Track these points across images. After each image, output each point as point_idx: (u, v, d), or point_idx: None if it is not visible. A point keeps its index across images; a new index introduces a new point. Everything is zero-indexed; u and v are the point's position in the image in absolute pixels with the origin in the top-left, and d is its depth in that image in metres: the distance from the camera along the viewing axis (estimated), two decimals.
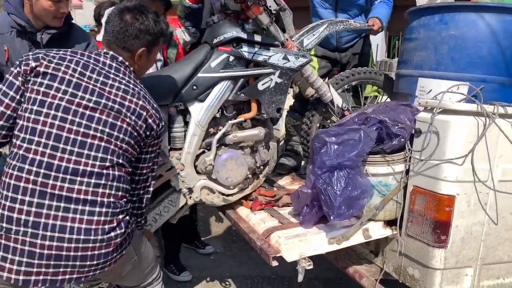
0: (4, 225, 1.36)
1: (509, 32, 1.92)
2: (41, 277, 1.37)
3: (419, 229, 1.79)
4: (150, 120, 1.55)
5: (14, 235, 1.35)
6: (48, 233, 1.36)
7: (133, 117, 1.50)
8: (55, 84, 1.43)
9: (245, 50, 2.11)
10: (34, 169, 1.37)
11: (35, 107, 1.41)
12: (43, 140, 1.39)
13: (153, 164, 1.68)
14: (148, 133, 1.56)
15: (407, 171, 1.87)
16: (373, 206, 1.91)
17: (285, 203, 2.29)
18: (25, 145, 1.39)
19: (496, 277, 1.87)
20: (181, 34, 2.75)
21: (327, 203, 1.78)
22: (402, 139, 1.81)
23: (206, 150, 2.19)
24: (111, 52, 1.58)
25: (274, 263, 1.75)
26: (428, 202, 1.75)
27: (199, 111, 2.09)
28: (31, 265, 1.35)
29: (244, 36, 2.10)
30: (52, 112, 1.41)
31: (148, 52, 1.64)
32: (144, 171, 1.64)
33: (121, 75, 1.55)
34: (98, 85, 1.48)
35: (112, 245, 1.45)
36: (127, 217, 1.52)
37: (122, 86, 1.52)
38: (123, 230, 1.48)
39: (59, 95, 1.42)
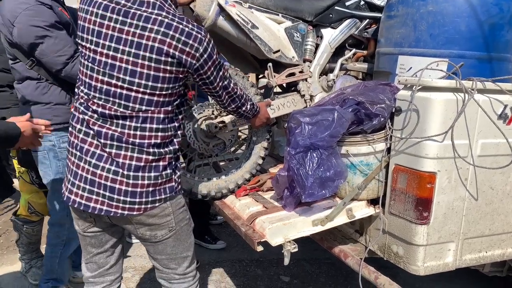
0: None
1: (486, 6, 1.91)
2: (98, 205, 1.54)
3: (401, 206, 1.81)
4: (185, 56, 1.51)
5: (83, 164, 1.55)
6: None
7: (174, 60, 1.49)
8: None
9: None
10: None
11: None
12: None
13: (221, 80, 1.69)
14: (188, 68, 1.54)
15: (389, 150, 1.87)
16: (356, 185, 1.91)
17: (269, 187, 2.27)
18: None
19: (478, 250, 1.90)
20: None
21: (299, 183, 1.77)
22: (382, 119, 1.81)
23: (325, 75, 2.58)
24: None
25: (259, 248, 1.74)
26: (410, 179, 1.76)
27: (331, 35, 2.53)
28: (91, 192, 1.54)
29: None
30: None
31: None
32: (218, 88, 1.70)
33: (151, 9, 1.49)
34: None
35: (140, 186, 1.53)
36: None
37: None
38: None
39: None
